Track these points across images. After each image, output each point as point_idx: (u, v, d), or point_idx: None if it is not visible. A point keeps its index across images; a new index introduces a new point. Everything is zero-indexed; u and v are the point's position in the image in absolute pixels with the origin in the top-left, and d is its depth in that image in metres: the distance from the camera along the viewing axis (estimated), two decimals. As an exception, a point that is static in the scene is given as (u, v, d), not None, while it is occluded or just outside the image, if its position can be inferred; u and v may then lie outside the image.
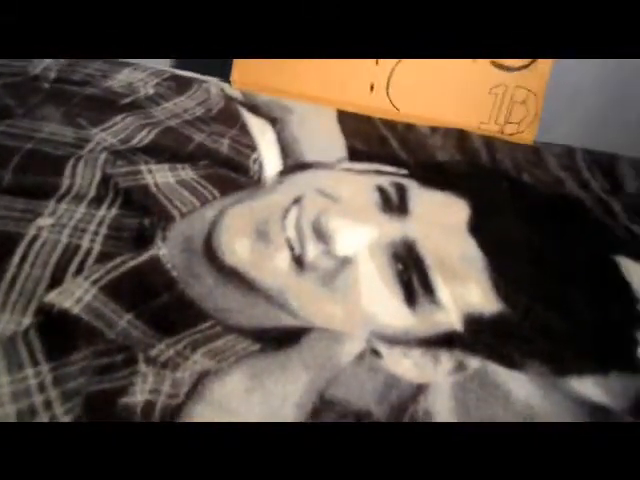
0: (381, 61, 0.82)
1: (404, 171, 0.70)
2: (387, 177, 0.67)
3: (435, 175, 0.70)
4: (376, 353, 0.48)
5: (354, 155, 0.70)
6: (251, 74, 0.81)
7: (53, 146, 0.59)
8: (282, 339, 0.47)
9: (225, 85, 0.79)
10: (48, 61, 0.71)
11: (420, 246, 0.58)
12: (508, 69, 0.83)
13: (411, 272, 0.56)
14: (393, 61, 0.82)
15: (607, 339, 0.54)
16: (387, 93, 0.83)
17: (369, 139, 0.74)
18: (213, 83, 0.78)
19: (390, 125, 0.78)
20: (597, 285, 0.59)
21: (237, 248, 0.55)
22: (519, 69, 0.83)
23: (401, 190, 0.65)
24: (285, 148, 0.69)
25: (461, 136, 0.80)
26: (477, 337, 0.51)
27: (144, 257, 0.52)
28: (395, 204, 0.63)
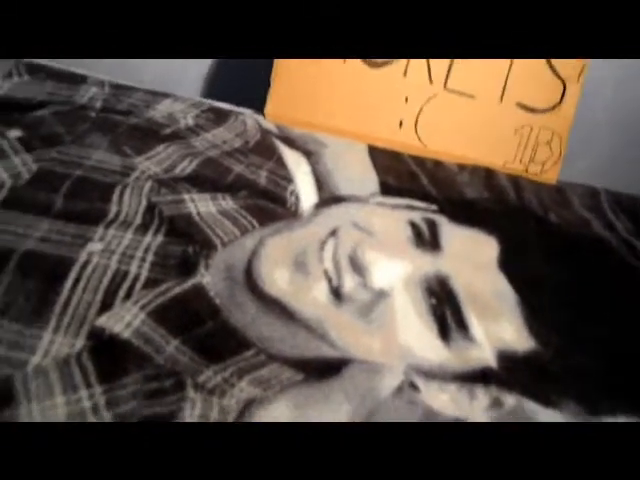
0: (410, 99, 0.85)
1: (434, 207, 0.72)
2: (418, 212, 0.69)
3: (464, 212, 0.72)
4: (414, 387, 0.49)
5: (386, 190, 0.73)
6: (284, 107, 0.83)
7: (101, 173, 0.62)
8: (324, 369, 0.49)
9: (260, 118, 0.82)
10: (94, 90, 0.74)
11: (453, 281, 0.59)
12: (533, 111, 0.85)
13: (444, 307, 0.57)
14: (422, 100, 0.85)
15: (638, 378, 0.55)
16: (415, 130, 0.85)
17: (400, 174, 0.76)
18: (249, 115, 0.81)
19: (419, 161, 0.81)
20: (627, 325, 0.60)
21: (277, 278, 0.57)
22: (544, 111, 0.85)
23: (432, 226, 0.67)
24: (320, 181, 0.71)
25: (488, 174, 0.82)
26: (512, 374, 0.52)
27: (188, 284, 0.53)
28: (427, 239, 0.64)
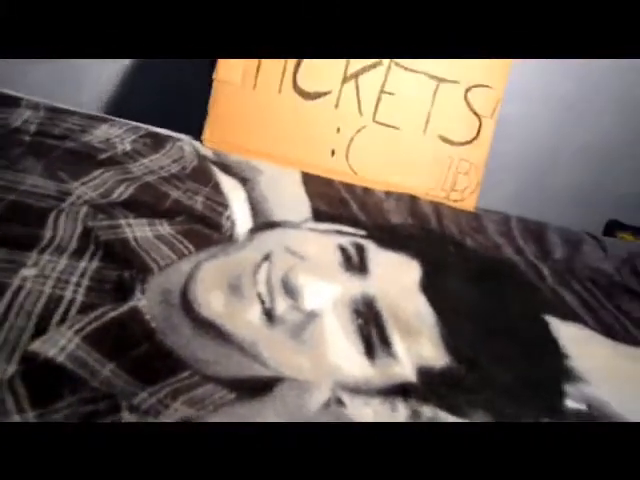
0: (342, 129, 0.90)
1: (362, 232, 0.77)
2: (348, 237, 0.74)
3: (390, 237, 0.77)
4: (340, 402, 0.53)
5: (318, 215, 0.77)
6: (222, 133, 0.87)
7: (35, 198, 0.62)
8: (256, 388, 0.51)
9: (197, 144, 0.84)
10: (28, 113, 0.74)
11: (379, 303, 0.64)
12: (453, 143, 0.93)
13: (370, 327, 0.61)
14: (353, 130, 0.90)
15: (540, 391, 0.62)
16: (347, 158, 0.91)
17: (331, 201, 0.81)
18: (186, 141, 0.83)
19: (350, 188, 0.86)
20: (531, 341, 0.67)
21: (212, 301, 0.59)
22: (463, 144, 0.93)
23: (361, 250, 0.71)
24: (255, 207, 0.74)
25: (412, 201, 0.89)
26: (429, 388, 0.57)
27: (124, 308, 0.55)
28: (356, 263, 0.69)
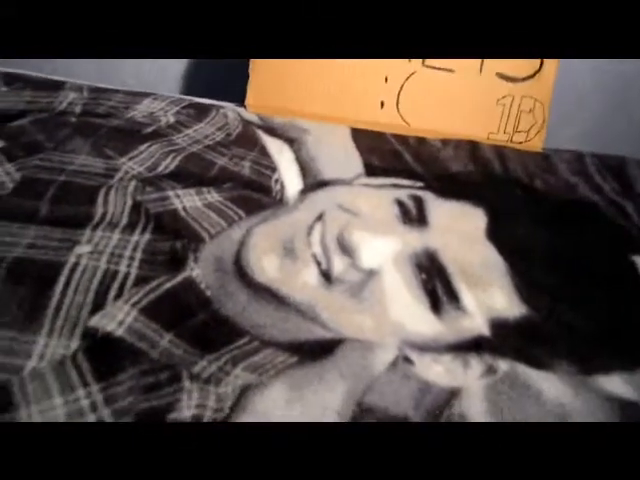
0: (390, 78, 0.84)
1: (420, 184, 0.72)
2: (404, 190, 0.69)
3: (450, 186, 0.72)
4: (408, 360, 0.50)
5: (370, 170, 0.73)
6: (264, 98, 0.83)
7: (85, 177, 0.62)
8: (317, 351, 0.49)
9: (241, 109, 0.82)
10: (73, 95, 0.75)
11: (441, 255, 0.60)
12: (514, 80, 0.85)
13: (435, 281, 0.57)
14: (402, 78, 0.84)
15: (630, 336, 0.56)
16: (397, 109, 0.85)
17: (384, 154, 0.76)
18: (230, 108, 0.81)
19: (403, 140, 0.81)
20: (616, 285, 0.60)
21: (265, 265, 0.57)
22: (524, 79, 0.85)
23: (419, 202, 0.67)
24: (304, 167, 0.71)
25: (472, 147, 0.82)
26: (504, 341, 0.52)
27: (179, 279, 0.54)
28: (414, 216, 0.65)
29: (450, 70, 0.85)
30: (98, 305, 0.50)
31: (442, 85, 0.85)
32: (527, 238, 0.65)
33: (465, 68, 0.85)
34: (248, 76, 0.84)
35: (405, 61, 0.84)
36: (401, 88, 0.85)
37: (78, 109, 0.73)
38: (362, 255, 0.58)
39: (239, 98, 0.84)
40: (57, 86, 0.76)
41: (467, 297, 0.56)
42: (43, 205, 0.58)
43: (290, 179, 0.69)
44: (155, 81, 1.09)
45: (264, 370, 0.47)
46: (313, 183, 0.69)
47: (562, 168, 0.81)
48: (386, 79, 0.85)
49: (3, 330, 0.46)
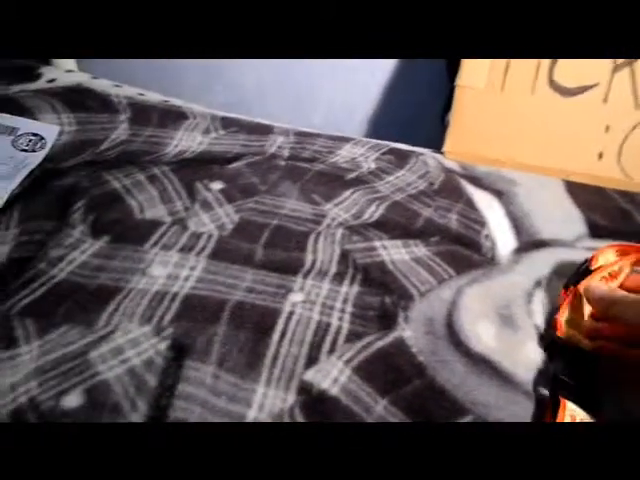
0: (612, 127, 0.76)
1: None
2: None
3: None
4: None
5: (595, 231, 0.64)
6: (466, 144, 0.79)
7: (295, 222, 0.63)
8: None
9: (440, 156, 0.78)
10: (281, 139, 0.77)
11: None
12: None
13: None
14: (627, 127, 0.75)
15: None
16: (618, 161, 0.76)
17: (608, 213, 0.67)
18: (429, 155, 0.78)
19: (629, 197, 0.71)
20: None
21: (481, 333, 0.52)
22: None
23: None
24: (517, 224, 0.65)
25: None
26: None
27: (390, 338, 0.51)
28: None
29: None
30: (312, 358, 0.49)
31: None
32: None
33: None
34: (441, 119, 0.81)
35: (631, 109, 0.75)
36: (625, 139, 0.75)
37: (286, 153, 0.75)
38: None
39: (428, 142, 0.81)
40: (267, 130, 0.79)
41: None
42: (258, 248, 0.59)
43: (502, 236, 0.63)
44: (341, 124, 1.12)
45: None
46: (528, 242, 0.63)
47: None
48: (607, 128, 0.76)
49: (226, 374, 0.47)
